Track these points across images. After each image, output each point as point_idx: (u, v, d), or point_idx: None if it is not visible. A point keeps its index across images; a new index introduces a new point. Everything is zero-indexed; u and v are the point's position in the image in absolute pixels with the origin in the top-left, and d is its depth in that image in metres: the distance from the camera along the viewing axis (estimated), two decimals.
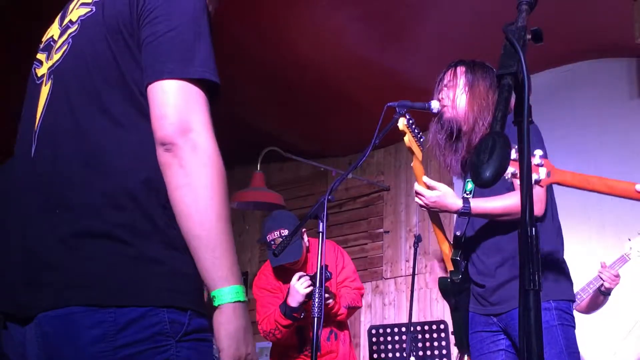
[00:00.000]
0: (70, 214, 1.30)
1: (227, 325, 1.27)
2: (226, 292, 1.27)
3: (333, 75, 5.10)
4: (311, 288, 3.45)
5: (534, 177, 2.16)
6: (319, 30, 4.62)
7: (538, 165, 2.16)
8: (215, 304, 1.27)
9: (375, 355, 4.55)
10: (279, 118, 5.77)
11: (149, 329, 1.24)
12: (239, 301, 1.28)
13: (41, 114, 1.43)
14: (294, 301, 3.53)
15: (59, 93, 1.41)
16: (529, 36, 1.26)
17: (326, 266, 3.49)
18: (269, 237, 3.76)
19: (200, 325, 1.30)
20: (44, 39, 1.57)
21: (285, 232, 3.71)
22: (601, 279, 3.71)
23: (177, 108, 1.28)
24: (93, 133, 1.33)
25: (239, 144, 5.99)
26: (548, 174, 2.16)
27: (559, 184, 2.20)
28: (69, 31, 1.46)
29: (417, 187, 2.68)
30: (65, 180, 1.32)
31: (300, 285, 3.51)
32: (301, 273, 3.58)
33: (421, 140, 2.72)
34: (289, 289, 3.59)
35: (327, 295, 3.59)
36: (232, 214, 6.81)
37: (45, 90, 1.45)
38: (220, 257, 1.27)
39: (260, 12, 4.38)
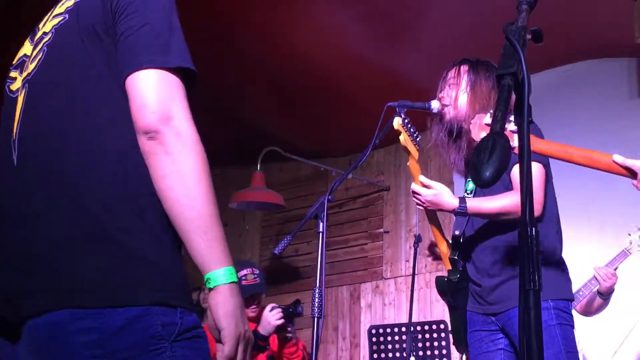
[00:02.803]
0: (58, 217, 1.30)
1: (225, 305, 1.29)
2: (221, 274, 1.29)
3: (333, 75, 5.09)
4: (282, 321, 3.69)
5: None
6: (319, 30, 4.62)
7: (513, 132, 2.11)
8: (211, 285, 1.29)
9: (375, 355, 4.55)
10: (279, 118, 5.77)
11: (141, 333, 1.24)
12: (234, 282, 1.31)
13: (18, 121, 1.43)
14: (264, 331, 3.71)
15: (35, 99, 1.42)
16: (529, 36, 1.26)
17: (298, 301, 3.75)
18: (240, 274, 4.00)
19: (192, 323, 1.31)
20: (15, 60, 1.58)
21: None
22: (596, 278, 3.66)
23: (158, 96, 1.30)
24: (74, 135, 1.34)
25: (239, 144, 5.99)
26: None
27: (534, 152, 2.15)
28: (43, 41, 1.48)
29: (414, 186, 2.69)
30: (50, 184, 1.33)
31: (272, 317, 3.70)
32: (274, 304, 3.78)
33: (417, 139, 2.73)
34: (261, 317, 3.78)
35: (289, 335, 3.84)
36: (232, 214, 6.77)
37: (20, 100, 1.46)
38: (212, 240, 1.29)
39: (260, 12, 4.38)
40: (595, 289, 3.71)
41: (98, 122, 1.34)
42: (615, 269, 3.69)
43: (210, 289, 1.30)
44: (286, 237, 2.98)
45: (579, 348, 3.91)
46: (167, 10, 1.40)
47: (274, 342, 3.89)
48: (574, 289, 3.75)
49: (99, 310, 1.23)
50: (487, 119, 2.15)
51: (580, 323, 3.95)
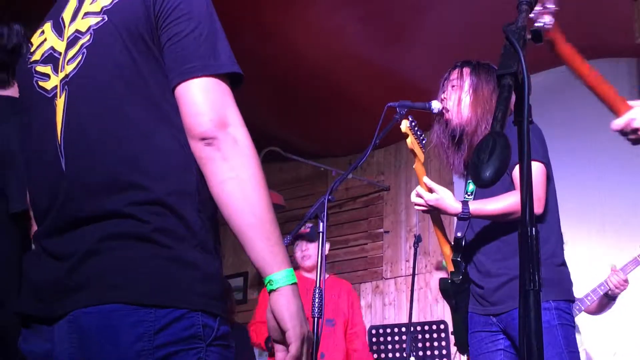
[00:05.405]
0: (109, 220, 1.30)
1: (290, 307, 1.32)
2: (283, 276, 1.32)
3: (333, 75, 5.10)
4: None
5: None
6: (319, 30, 4.62)
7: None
8: (273, 287, 1.32)
9: (375, 355, 4.55)
10: (279, 118, 5.77)
11: (185, 331, 1.26)
12: (295, 283, 1.34)
13: (62, 126, 1.41)
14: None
15: (79, 104, 1.39)
16: (529, 36, 1.26)
17: None
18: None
19: (226, 332, 1.33)
20: (38, 49, 1.52)
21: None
22: (608, 284, 3.67)
23: (213, 104, 1.33)
24: (122, 143, 1.34)
25: None
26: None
27: (558, 52, 1.86)
28: (81, 42, 1.43)
29: (419, 188, 2.69)
30: (102, 190, 1.32)
31: None
32: None
33: (423, 142, 2.73)
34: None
35: None
36: None
37: (60, 103, 1.42)
38: (274, 244, 1.33)
39: (261, 12, 4.39)
40: (603, 293, 3.72)
41: (144, 128, 1.34)
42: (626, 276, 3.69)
43: (272, 291, 1.32)
44: (286, 237, 2.98)
45: (581, 349, 3.93)
46: (210, 13, 1.40)
47: None
48: (583, 293, 3.77)
49: (150, 307, 1.25)
50: None
51: (583, 323, 3.97)
